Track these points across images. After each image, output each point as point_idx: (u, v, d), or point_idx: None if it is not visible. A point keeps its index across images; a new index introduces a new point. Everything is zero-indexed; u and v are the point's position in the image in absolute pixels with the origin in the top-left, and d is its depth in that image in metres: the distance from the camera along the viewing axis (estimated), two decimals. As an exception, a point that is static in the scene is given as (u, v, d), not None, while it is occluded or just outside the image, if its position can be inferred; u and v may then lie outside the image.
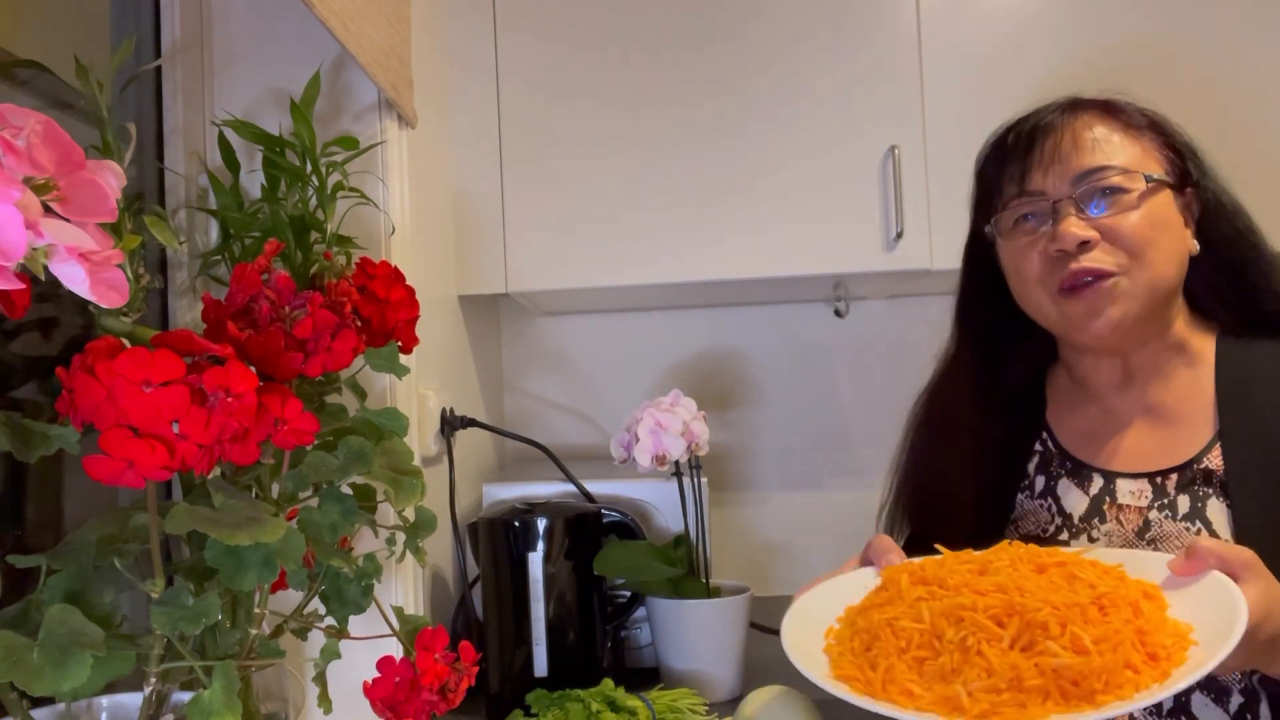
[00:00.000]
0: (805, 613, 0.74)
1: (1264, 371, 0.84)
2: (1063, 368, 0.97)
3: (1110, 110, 0.87)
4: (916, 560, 0.75)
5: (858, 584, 0.76)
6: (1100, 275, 0.82)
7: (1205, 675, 0.55)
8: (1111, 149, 0.84)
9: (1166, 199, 0.84)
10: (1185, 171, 0.86)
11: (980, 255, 0.95)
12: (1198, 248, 0.86)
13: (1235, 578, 0.63)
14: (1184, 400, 0.87)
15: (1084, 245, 0.82)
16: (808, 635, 0.71)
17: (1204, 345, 0.88)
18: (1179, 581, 0.66)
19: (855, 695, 0.61)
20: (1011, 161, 0.88)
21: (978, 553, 0.73)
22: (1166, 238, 0.83)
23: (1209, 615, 0.61)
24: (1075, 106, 0.88)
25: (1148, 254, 0.82)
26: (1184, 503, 0.82)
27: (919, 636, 0.64)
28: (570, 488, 1.33)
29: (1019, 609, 0.62)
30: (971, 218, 0.96)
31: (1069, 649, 0.59)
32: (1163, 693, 0.55)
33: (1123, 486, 0.86)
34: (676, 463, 1.20)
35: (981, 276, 0.96)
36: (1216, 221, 0.87)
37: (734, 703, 0.97)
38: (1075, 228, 0.81)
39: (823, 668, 0.67)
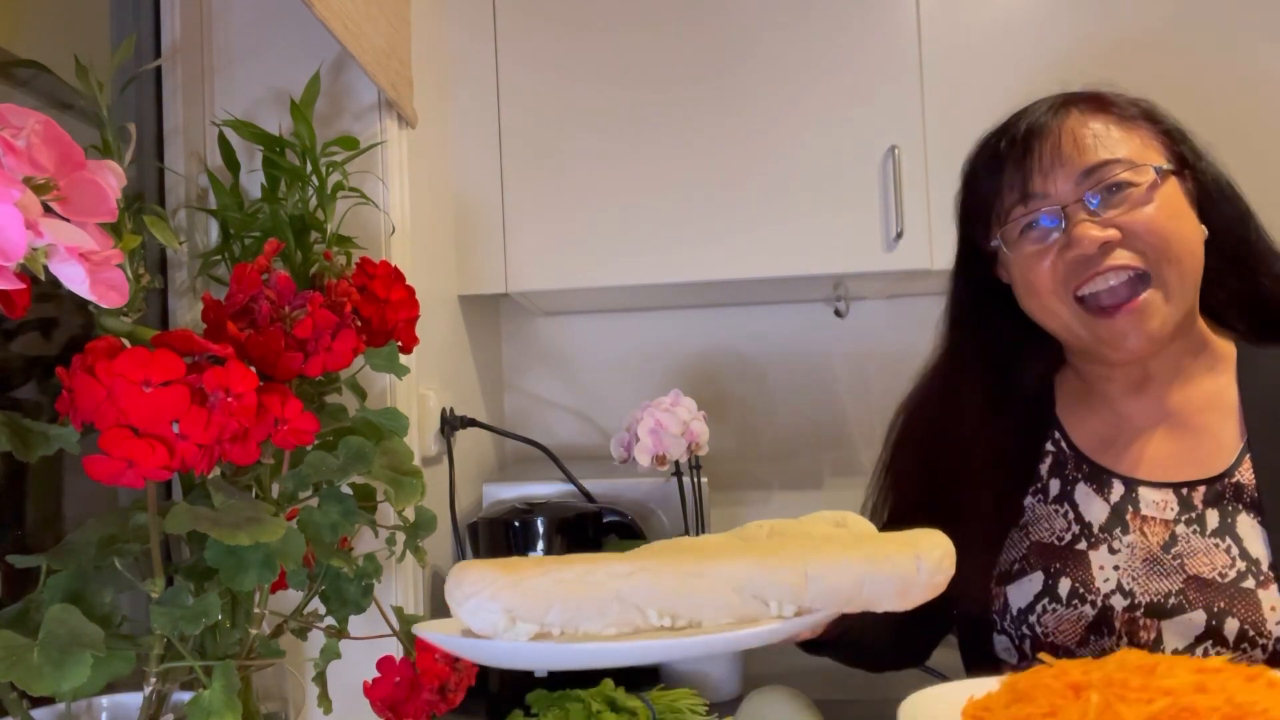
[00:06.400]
0: None
1: None
2: (1070, 370, 0.92)
3: (1102, 104, 0.83)
4: (1035, 669, 0.61)
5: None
6: (1131, 273, 0.78)
7: None
8: (1112, 143, 0.80)
9: (1174, 187, 0.80)
10: (1182, 155, 0.83)
11: (975, 267, 0.91)
12: (1207, 232, 0.82)
13: None
14: (1205, 408, 0.83)
15: (1105, 246, 0.78)
16: None
17: (1225, 349, 0.85)
18: None
19: None
20: (1008, 169, 0.83)
21: (1115, 659, 0.59)
22: (1185, 226, 0.80)
23: None
24: (1067, 104, 0.84)
25: (1172, 247, 0.78)
26: (1213, 517, 0.79)
27: None
28: (570, 488, 1.32)
29: (1248, 709, 0.52)
30: (960, 228, 0.92)
31: None
32: None
33: (1146, 496, 0.82)
34: (676, 463, 1.20)
35: (978, 289, 0.91)
36: (1217, 203, 0.84)
37: (734, 703, 0.97)
38: (1093, 230, 0.78)
39: None
